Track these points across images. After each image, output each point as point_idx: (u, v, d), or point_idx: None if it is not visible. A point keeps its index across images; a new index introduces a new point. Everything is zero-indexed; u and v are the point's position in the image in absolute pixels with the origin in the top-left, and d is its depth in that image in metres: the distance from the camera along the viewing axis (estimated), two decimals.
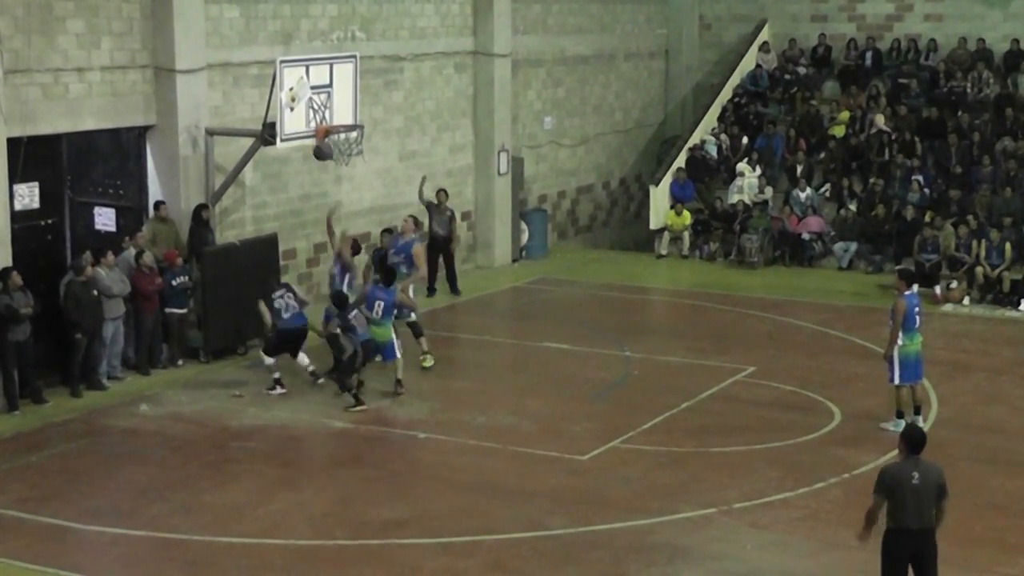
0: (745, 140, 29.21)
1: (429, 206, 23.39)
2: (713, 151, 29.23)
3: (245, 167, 19.91)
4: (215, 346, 19.39)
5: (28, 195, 17.71)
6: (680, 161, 29.01)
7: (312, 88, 18.81)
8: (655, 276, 26.65)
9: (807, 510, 13.89)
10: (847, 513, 13.58)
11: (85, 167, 19.23)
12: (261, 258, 19.74)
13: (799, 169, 27.84)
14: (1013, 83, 28.44)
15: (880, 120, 27.88)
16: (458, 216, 24.51)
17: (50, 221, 18.31)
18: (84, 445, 15.90)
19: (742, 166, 28.13)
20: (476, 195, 26.05)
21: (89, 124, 18.50)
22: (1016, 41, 28.77)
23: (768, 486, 14.44)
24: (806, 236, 26.49)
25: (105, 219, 19.43)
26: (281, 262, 20.64)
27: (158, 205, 19.31)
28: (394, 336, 17.76)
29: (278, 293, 17.78)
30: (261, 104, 19.53)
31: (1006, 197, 25.26)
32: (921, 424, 15.53)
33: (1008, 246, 23.60)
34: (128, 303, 18.27)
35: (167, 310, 18.89)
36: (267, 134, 18.79)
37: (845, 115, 28.86)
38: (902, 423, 15.27)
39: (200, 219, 19.37)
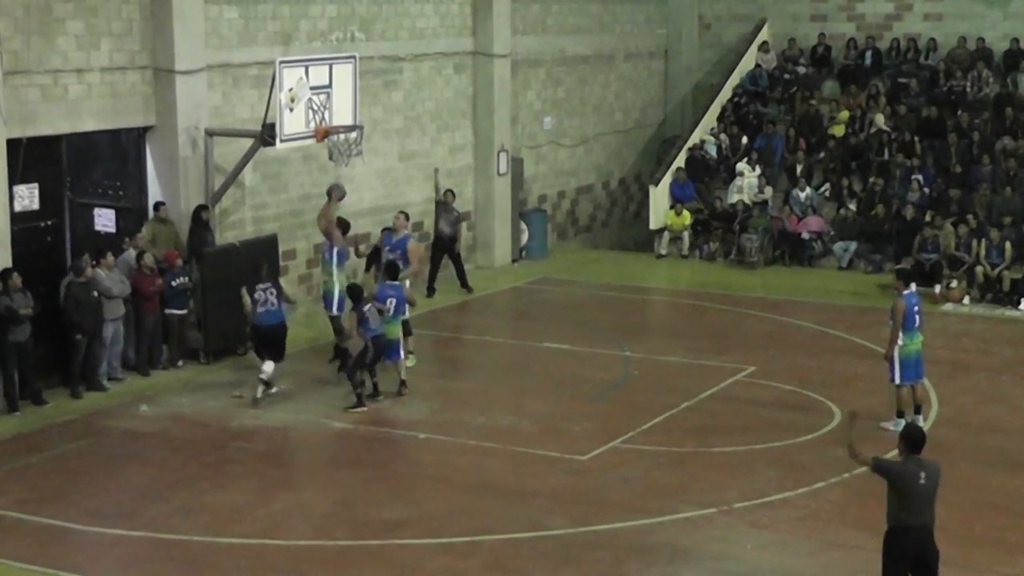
0: (745, 140, 29.19)
1: (437, 205, 23.38)
2: (713, 151, 29.22)
3: (245, 168, 19.92)
4: (215, 347, 19.39)
5: (28, 196, 17.70)
6: (680, 161, 28.99)
7: (311, 89, 18.81)
8: (655, 276, 26.64)
9: (807, 510, 13.87)
10: (847, 513, 13.61)
11: (85, 168, 19.22)
12: (261, 259, 19.68)
13: (799, 169, 27.82)
14: (1013, 82, 28.41)
15: (880, 120, 27.86)
16: None
17: (50, 222, 18.29)
18: (84, 446, 15.89)
19: (742, 166, 28.12)
20: (476, 195, 26.03)
21: (89, 125, 18.51)
22: (1016, 40, 28.76)
23: (768, 486, 14.44)
24: (806, 236, 26.47)
25: (105, 220, 19.44)
26: (281, 263, 20.65)
27: (158, 206, 19.32)
28: (400, 335, 17.77)
29: (262, 286, 17.57)
30: (260, 105, 19.53)
31: (1006, 196, 25.25)
32: (921, 423, 15.52)
33: (1008, 245, 23.58)
34: (128, 304, 18.28)
35: (167, 311, 18.89)
36: (267, 135, 18.79)
37: (845, 115, 28.84)
38: (902, 422, 15.22)
39: (200, 220, 19.37)
